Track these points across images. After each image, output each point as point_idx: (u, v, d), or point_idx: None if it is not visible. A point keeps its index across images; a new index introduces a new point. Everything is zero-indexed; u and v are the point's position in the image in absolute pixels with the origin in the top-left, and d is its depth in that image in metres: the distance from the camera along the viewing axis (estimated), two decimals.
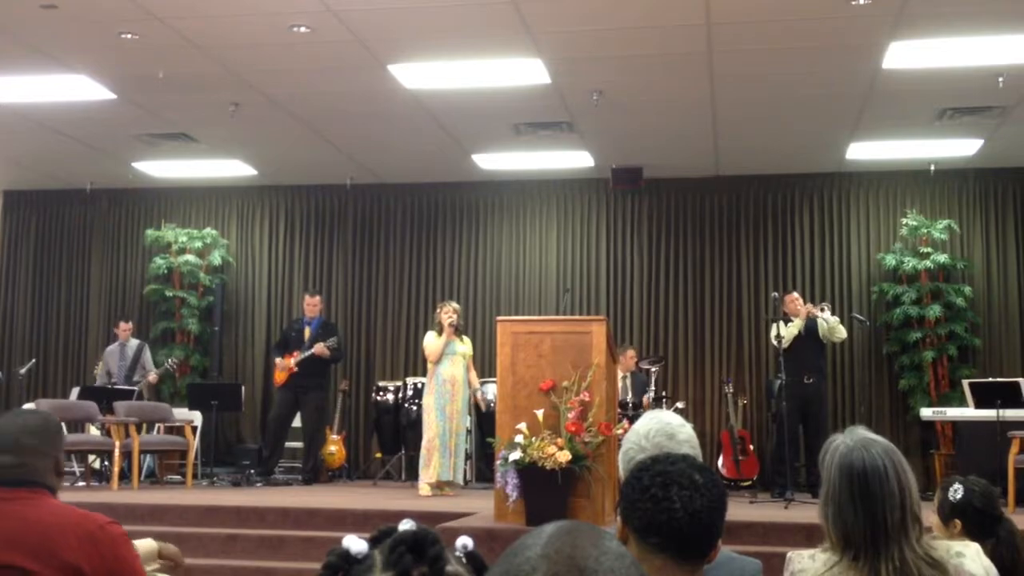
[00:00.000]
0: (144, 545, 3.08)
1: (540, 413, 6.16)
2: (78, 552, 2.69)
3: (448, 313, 8.67)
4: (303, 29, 7.16)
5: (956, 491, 3.33)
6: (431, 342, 8.70)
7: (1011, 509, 7.33)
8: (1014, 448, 7.92)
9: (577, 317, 9.57)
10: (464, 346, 8.80)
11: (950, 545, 2.31)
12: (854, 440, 2.31)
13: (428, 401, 8.64)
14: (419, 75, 8.09)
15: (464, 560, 1.09)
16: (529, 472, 6.01)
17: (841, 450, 2.32)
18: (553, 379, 6.28)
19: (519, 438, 6.12)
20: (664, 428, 2.43)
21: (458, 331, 8.75)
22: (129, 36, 7.21)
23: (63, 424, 3.11)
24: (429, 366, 8.74)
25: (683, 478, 1.81)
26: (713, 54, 7.59)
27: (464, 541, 1.11)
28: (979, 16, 6.91)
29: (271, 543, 6.88)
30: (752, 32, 7.21)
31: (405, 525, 1.10)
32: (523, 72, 7.96)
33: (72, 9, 6.80)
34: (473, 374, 8.95)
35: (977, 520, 3.09)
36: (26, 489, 2.79)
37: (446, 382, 8.59)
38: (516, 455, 6.04)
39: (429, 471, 8.49)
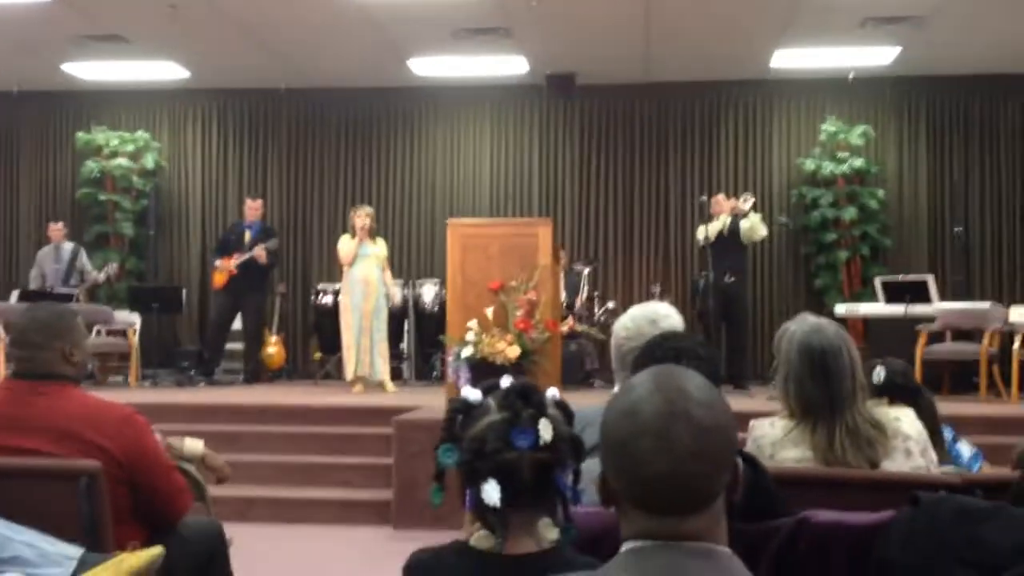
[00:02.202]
0: (191, 444, 3.33)
1: (490, 311, 6.50)
2: (107, 437, 2.93)
3: (360, 217, 8.99)
4: None
5: (879, 373, 3.75)
6: (344, 245, 9.03)
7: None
8: (921, 340, 8.54)
9: (524, 220, 9.88)
10: (377, 247, 9.11)
11: (888, 411, 2.72)
12: (809, 325, 2.69)
13: (344, 300, 9.02)
14: None
15: (554, 405, 1.42)
16: (480, 367, 6.36)
17: (799, 335, 2.70)
18: (501, 279, 6.61)
19: (470, 335, 6.47)
20: (648, 314, 2.78)
21: (371, 233, 9.04)
22: None
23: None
24: (345, 268, 9.07)
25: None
26: None
27: (553, 392, 1.44)
28: None
29: (227, 438, 7.15)
30: None
31: (507, 381, 1.42)
32: None
33: None
34: (388, 274, 9.26)
35: (901, 394, 3.51)
36: (48, 382, 3.01)
37: (359, 282, 8.96)
38: (468, 351, 6.40)
39: (362, 368, 8.85)
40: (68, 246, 10.60)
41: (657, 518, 1.28)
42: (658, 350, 2.08)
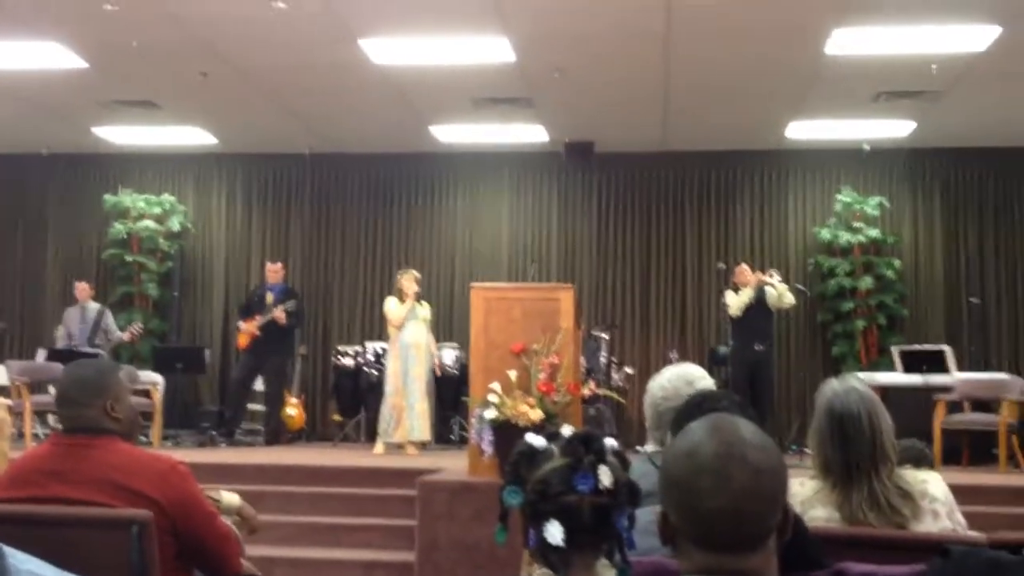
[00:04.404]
0: (229, 497, 3.42)
1: (513, 374, 6.58)
2: (153, 487, 3.02)
3: (409, 280, 9.10)
4: (280, 5, 7.41)
5: None
6: (394, 308, 9.10)
7: (937, 466, 7.96)
8: (939, 410, 8.57)
9: (546, 284, 10.01)
10: (424, 310, 9.23)
11: (915, 474, 2.79)
12: (840, 386, 2.78)
13: (395, 366, 9.06)
14: (389, 50, 8.39)
15: (613, 454, 1.52)
16: (503, 429, 6.41)
17: (827, 395, 2.79)
18: (524, 342, 6.70)
19: (493, 397, 6.54)
20: (684, 375, 2.87)
21: (418, 297, 9.17)
22: (110, 7, 7.40)
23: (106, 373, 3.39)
24: (391, 331, 9.14)
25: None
26: (671, 35, 8.03)
27: (611, 441, 1.54)
28: (916, 7, 7.44)
29: (250, 497, 7.19)
30: (708, 16, 7.65)
31: (568, 430, 1.53)
32: (490, 49, 8.31)
33: None
34: (431, 337, 9.37)
35: None
36: (94, 436, 3.11)
37: (410, 346, 9.01)
38: (491, 413, 6.45)
39: (401, 431, 8.91)
40: (94, 306, 10.75)
41: (715, 554, 1.37)
42: (697, 409, 2.18)
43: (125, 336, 10.57)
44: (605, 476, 1.47)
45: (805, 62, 8.56)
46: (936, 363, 9.22)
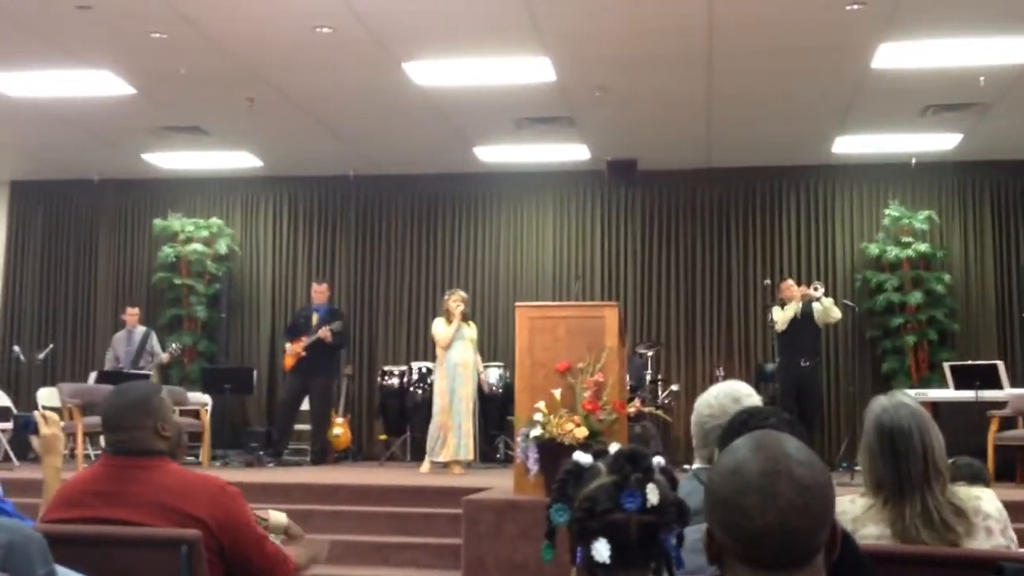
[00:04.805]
0: (276, 516, 3.45)
1: (558, 392, 6.57)
2: (202, 508, 3.04)
3: (456, 301, 9.15)
4: (326, 30, 7.51)
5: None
6: (441, 329, 9.15)
7: (992, 483, 7.82)
8: (993, 426, 8.43)
9: (590, 303, 10.01)
10: (471, 330, 9.26)
11: (969, 490, 2.75)
12: (889, 403, 2.74)
13: (441, 385, 9.10)
14: (432, 73, 8.45)
15: (660, 472, 1.52)
16: (548, 447, 6.40)
17: (876, 410, 2.75)
18: (569, 361, 6.69)
19: (538, 416, 6.53)
20: (731, 392, 2.85)
21: (465, 317, 9.20)
22: (158, 35, 7.53)
23: (156, 395, 3.42)
24: (439, 351, 9.18)
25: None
26: (713, 53, 8.01)
27: (659, 459, 1.54)
28: (963, 20, 7.36)
29: (297, 516, 7.24)
30: (750, 33, 7.63)
31: (615, 447, 1.53)
32: (531, 69, 8.34)
33: (105, 10, 7.12)
34: (478, 357, 9.40)
35: None
36: (143, 458, 3.14)
37: (457, 365, 9.06)
38: (536, 431, 6.44)
39: (447, 450, 8.93)
40: (140, 330, 10.93)
41: (763, 572, 1.36)
42: (744, 427, 2.16)
43: (164, 357, 10.72)
44: (652, 494, 1.47)
45: (851, 77, 8.50)
46: (989, 378, 9.08)
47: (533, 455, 6.47)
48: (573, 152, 10.86)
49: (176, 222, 11.79)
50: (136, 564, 2.94)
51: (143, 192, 12.25)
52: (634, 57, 8.07)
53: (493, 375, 10.61)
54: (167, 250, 11.68)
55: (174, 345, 10.97)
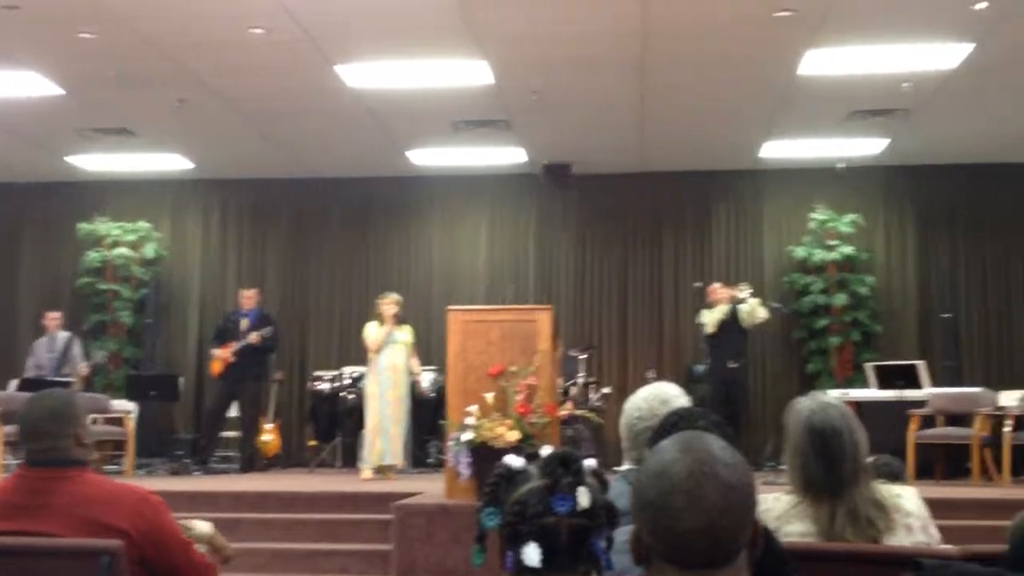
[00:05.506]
0: (200, 525, 3.39)
1: (490, 396, 6.57)
2: (124, 519, 2.97)
3: (389, 304, 9.08)
4: (259, 31, 7.43)
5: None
6: (372, 332, 9.08)
7: (912, 480, 8.00)
8: (913, 425, 8.63)
9: (524, 307, 10.01)
10: (404, 334, 9.19)
11: (890, 488, 2.81)
12: (815, 405, 2.79)
13: (372, 389, 9.02)
14: (364, 75, 8.41)
15: (591, 474, 1.53)
16: (480, 451, 6.40)
17: (805, 412, 2.80)
18: (502, 364, 6.70)
19: (470, 420, 6.53)
20: (659, 395, 2.89)
21: (399, 320, 9.15)
22: (87, 35, 7.39)
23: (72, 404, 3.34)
24: (370, 355, 9.11)
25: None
26: (646, 58, 8.09)
27: (591, 462, 1.55)
28: (887, 27, 7.53)
29: (225, 525, 7.13)
30: (682, 39, 7.72)
31: (547, 450, 1.53)
32: (468, 73, 8.34)
33: (33, 9, 6.96)
34: (414, 361, 9.33)
35: None
36: (63, 468, 3.06)
37: (387, 369, 8.99)
38: (468, 435, 6.44)
39: (373, 455, 8.86)
40: (63, 335, 10.65)
41: (689, 572, 1.38)
42: (674, 429, 2.19)
43: (84, 368, 10.47)
44: (583, 497, 1.48)
45: (778, 83, 8.65)
46: (910, 378, 9.29)
47: (465, 459, 6.46)
48: (510, 155, 10.88)
49: (102, 226, 11.55)
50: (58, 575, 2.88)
51: (68, 195, 11.97)
52: (567, 60, 8.12)
53: (426, 379, 10.56)
54: (92, 255, 11.44)
55: (100, 353, 10.74)
